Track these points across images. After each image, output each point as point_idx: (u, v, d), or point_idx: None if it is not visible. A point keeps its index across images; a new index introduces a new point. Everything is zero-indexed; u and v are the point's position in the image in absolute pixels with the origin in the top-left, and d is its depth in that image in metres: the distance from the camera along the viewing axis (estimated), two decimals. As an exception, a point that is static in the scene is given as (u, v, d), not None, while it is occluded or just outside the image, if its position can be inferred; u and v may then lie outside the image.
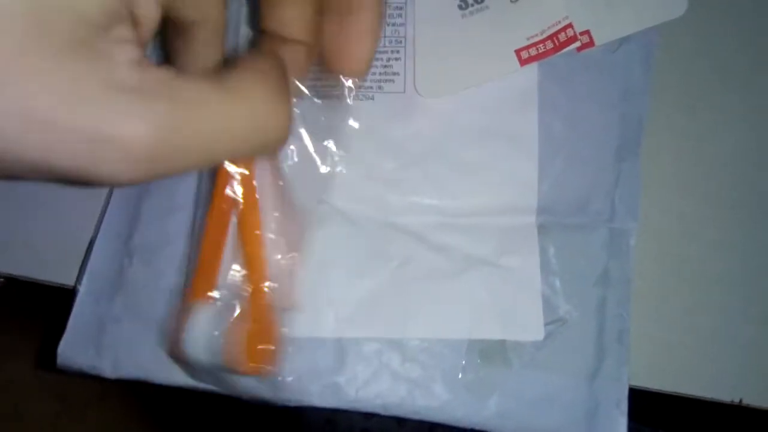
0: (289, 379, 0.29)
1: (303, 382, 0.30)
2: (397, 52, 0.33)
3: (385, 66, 0.33)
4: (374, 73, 0.33)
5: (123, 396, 0.39)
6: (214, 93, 0.17)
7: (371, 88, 0.33)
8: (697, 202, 0.33)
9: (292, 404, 0.30)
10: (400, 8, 0.33)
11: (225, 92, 0.18)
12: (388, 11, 0.33)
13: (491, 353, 0.31)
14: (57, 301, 0.31)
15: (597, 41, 0.32)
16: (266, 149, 0.21)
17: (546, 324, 0.31)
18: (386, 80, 0.33)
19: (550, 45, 0.32)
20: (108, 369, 0.30)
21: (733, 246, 0.33)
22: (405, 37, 0.33)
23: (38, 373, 0.38)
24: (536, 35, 0.32)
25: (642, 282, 0.32)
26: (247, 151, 0.20)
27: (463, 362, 0.30)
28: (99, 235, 0.32)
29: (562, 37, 0.32)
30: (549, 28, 0.32)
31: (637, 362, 0.31)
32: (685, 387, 0.31)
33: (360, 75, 0.26)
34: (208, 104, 0.17)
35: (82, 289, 0.31)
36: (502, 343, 0.31)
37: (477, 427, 0.30)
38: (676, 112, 0.34)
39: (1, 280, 0.38)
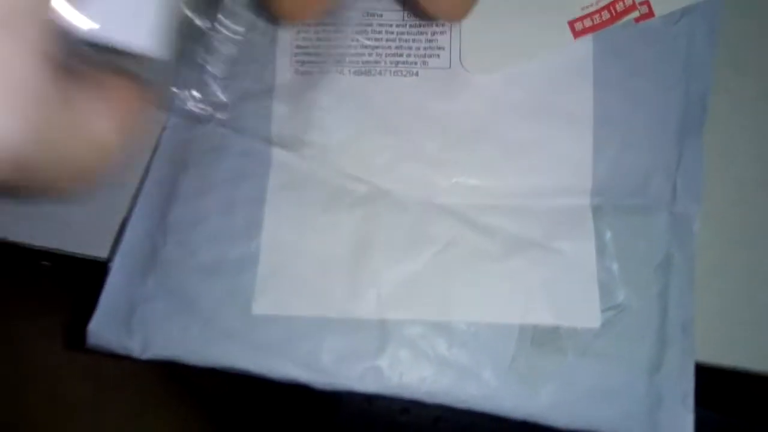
0: (329, 359, 0.28)
1: (343, 365, 0.29)
2: (442, 24, 0.33)
3: (430, 40, 0.33)
4: (418, 48, 0.33)
5: (159, 376, 0.39)
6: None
7: (415, 63, 0.33)
8: (763, 184, 0.32)
9: (331, 389, 0.29)
10: (447, -20, 0.33)
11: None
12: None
13: (544, 340, 0.30)
14: (86, 280, 0.31)
15: (657, 11, 0.32)
16: None
17: (603, 310, 0.30)
18: (431, 55, 0.33)
19: (606, 15, 0.31)
20: (138, 349, 0.29)
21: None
22: (451, 10, 0.33)
23: (71, 354, 0.38)
24: (591, 5, 0.31)
25: (706, 268, 0.31)
26: None
27: (514, 349, 0.29)
28: (134, 213, 0.32)
29: (619, 6, 0.31)
30: (604, -4, 0.31)
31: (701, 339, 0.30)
32: (751, 362, 0.30)
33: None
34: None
35: (113, 267, 0.31)
36: (555, 330, 0.30)
37: (528, 419, 0.29)
38: (742, 88, 0.33)
39: (46, 263, 0.39)
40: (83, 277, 0.32)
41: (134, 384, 0.42)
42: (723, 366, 0.30)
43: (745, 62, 0.33)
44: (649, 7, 0.32)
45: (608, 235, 0.31)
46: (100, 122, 0.17)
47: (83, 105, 0.17)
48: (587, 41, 0.32)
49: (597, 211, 0.31)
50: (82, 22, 0.18)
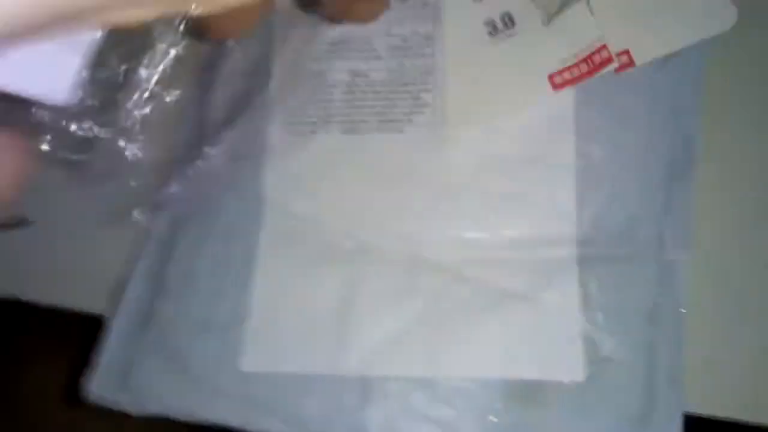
0: (313, 415, 0.29)
1: (327, 421, 0.30)
2: (427, 83, 0.34)
3: (415, 98, 0.34)
4: (404, 106, 0.34)
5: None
6: None
7: (401, 120, 0.34)
8: (757, 227, 0.32)
9: (316, 444, 0.30)
10: (429, 38, 0.34)
11: None
12: (417, 41, 0.34)
13: (528, 394, 0.30)
14: (82, 331, 0.33)
15: (637, 61, 0.32)
16: None
17: (589, 363, 0.30)
18: (416, 112, 0.34)
19: (584, 68, 0.32)
20: (133, 407, 0.31)
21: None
22: (434, 68, 0.34)
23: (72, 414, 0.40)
24: (569, 58, 0.32)
25: (696, 315, 0.31)
26: None
27: (498, 403, 0.30)
28: (134, 272, 0.33)
29: (596, 59, 0.32)
30: (582, 50, 0.32)
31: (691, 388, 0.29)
32: (741, 413, 0.29)
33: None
34: None
35: (113, 327, 0.32)
36: (539, 384, 0.30)
37: (512, 475, 0.29)
38: (731, 131, 0.33)
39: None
40: (81, 332, 0.34)
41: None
42: (712, 417, 0.30)
43: (730, 107, 0.33)
44: (630, 56, 0.32)
45: (594, 285, 0.31)
46: None
47: None
48: (568, 93, 0.32)
49: (582, 261, 0.31)
50: None
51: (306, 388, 0.30)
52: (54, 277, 0.35)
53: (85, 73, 0.18)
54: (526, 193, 0.32)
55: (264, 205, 0.33)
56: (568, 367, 0.30)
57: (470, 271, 0.32)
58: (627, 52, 0.32)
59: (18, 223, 0.36)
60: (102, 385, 0.31)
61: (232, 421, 0.30)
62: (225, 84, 0.35)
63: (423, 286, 0.31)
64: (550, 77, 0.32)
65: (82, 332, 0.33)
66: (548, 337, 0.30)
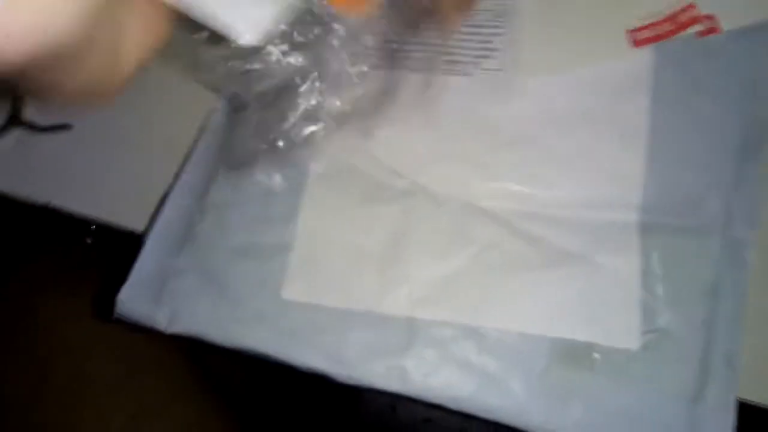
0: (353, 353, 0.28)
1: (367, 360, 0.28)
2: (498, 26, 0.33)
3: (484, 41, 0.33)
4: (472, 48, 0.33)
5: (184, 362, 0.39)
6: None
7: (468, 63, 0.32)
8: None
9: (353, 383, 0.28)
10: (506, -19, 0.33)
11: None
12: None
13: (576, 356, 0.29)
14: (119, 254, 0.32)
15: (723, 27, 0.31)
16: None
17: (644, 333, 0.29)
18: (484, 56, 0.32)
19: (668, 27, 0.31)
20: (164, 322, 0.30)
21: None
22: (508, 11, 0.32)
23: (101, 334, 0.39)
24: (653, 15, 0.31)
25: (757, 297, 0.29)
26: None
27: (545, 362, 0.28)
28: (174, 189, 0.32)
29: (682, 18, 0.30)
30: (668, 7, 0.30)
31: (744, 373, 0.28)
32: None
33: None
34: None
35: (149, 240, 0.31)
36: (589, 347, 0.29)
37: (553, 436, 0.28)
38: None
39: (89, 240, 0.39)
40: (117, 253, 0.32)
41: (160, 368, 0.42)
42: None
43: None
44: (715, 21, 0.31)
45: (655, 255, 0.30)
46: (133, 33, 0.17)
47: (124, 13, 0.17)
48: (647, 52, 0.31)
49: (645, 229, 0.30)
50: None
51: (347, 324, 0.29)
52: (93, 188, 0.34)
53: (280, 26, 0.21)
54: (592, 150, 0.31)
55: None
56: (622, 333, 0.29)
57: (527, 226, 0.30)
58: (712, 16, 0.31)
59: (60, 126, 0.35)
60: (134, 297, 0.30)
61: (269, 349, 0.29)
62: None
63: (477, 235, 0.30)
64: (631, 33, 0.31)
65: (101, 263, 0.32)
66: (604, 301, 0.29)
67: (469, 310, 0.29)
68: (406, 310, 0.29)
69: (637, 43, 0.31)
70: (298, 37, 0.25)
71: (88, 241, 0.40)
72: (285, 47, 0.25)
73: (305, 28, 0.25)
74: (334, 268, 0.30)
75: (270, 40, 0.22)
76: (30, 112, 0.36)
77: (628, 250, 0.30)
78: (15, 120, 0.36)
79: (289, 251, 0.30)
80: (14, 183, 0.35)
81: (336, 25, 0.27)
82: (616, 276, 0.30)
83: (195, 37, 0.22)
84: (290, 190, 0.31)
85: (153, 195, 0.33)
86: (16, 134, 0.36)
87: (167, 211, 0.32)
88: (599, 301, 0.29)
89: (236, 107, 0.33)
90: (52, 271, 0.44)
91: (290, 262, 0.30)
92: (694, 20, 0.30)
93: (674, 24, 0.31)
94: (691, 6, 0.30)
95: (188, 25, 0.20)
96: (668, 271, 0.30)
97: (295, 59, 0.26)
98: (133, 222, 0.33)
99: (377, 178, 0.31)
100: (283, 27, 0.22)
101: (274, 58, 0.25)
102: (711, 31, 0.31)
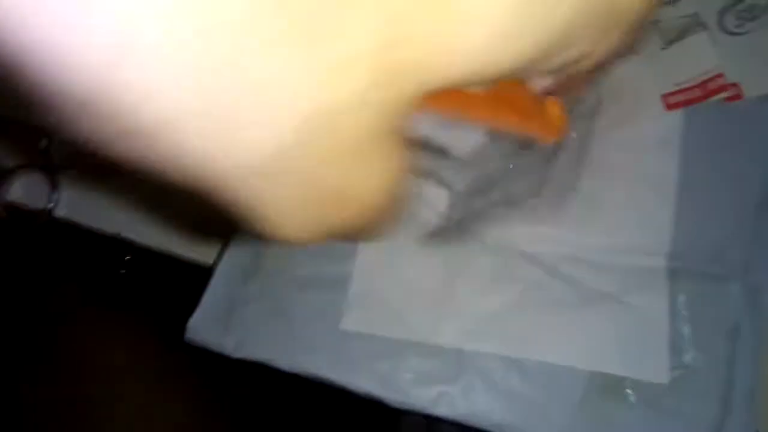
0: (406, 380, 0.31)
1: (418, 387, 0.31)
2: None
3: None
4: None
5: (213, 387, 0.42)
6: None
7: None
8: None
9: (405, 408, 0.31)
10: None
11: None
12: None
13: (611, 388, 0.31)
14: (167, 283, 0.34)
15: (746, 93, 0.34)
16: None
17: (672, 368, 0.32)
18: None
19: (698, 92, 0.34)
20: (231, 347, 0.32)
21: None
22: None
23: (131, 358, 0.42)
24: (685, 82, 0.34)
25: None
26: None
27: (582, 392, 0.31)
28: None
29: (711, 85, 0.34)
30: (699, 76, 0.34)
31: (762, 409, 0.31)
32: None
33: None
34: None
35: (219, 269, 0.34)
36: (622, 381, 0.31)
37: (591, 462, 0.30)
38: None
39: (123, 271, 0.42)
40: (156, 282, 0.35)
41: (191, 393, 0.44)
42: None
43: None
44: (739, 88, 0.34)
45: (682, 298, 0.33)
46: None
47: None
48: (679, 115, 0.34)
49: (673, 274, 0.33)
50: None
51: (401, 353, 0.32)
52: (161, 222, 0.37)
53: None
54: (628, 201, 0.34)
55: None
56: (653, 368, 0.31)
57: (566, 268, 0.33)
58: (737, 84, 0.34)
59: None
60: (204, 324, 0.33)
61: (330, 375, 0.31)
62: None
63: (521, 275, 0.33)
64: (664, 97, 0.34)
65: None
66: (636, 339, 0.32)
67: (513, 344, 0.32)
68: (455, 342, 0.32)
69: (670, 106, 0.34)
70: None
71: (122, 272, 0.43)
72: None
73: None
74: (390, 302, 0.33)
75: None
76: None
77: (658, 293, 0.33)
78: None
79: (349, 284, 0.33)
80: (86, 216, 0.38)
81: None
82: (646, 316, 0.32)
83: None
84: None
85: (223, 228, 0.36)
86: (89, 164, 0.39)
87: (235, 243, 0.35)
88: (632, 339, 0.32)
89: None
90: (85, 297, 0.47)
91: (349, 294, 0.33)
92: (722, 88, 0.34)
93: (703, 90, 0.34)
94: (719, 75, 0.34)
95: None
96: (694, 313, 0.32)
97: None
98: (203, 254, 0.35)
99: (431, 221, 0.34)
100: None
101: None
102: (736, 97, 0.34)
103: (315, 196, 0.14)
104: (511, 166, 0.35)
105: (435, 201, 0.35)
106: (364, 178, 0.14)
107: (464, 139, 0.23)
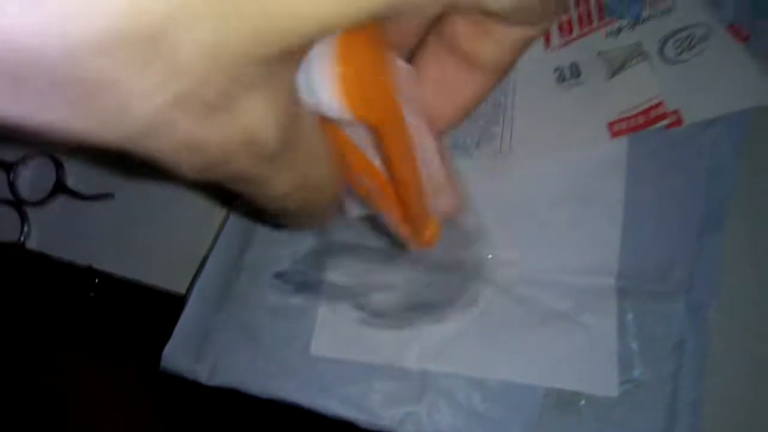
0: (375, 402, 0.33)
1: (387, 408, 0.33)
2: (496, 117, 0.38)
3: (484, 130, 0.38)
4: (474, 135, 0.38)
5: (189, 412, 0.43)
6: None
7: (470, 146, 0.38)
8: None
9: (374, 428, 0.33)
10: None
11: None
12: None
13: (566, 403, 0.33)
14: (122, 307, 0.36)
15: (686, 121, 0.36)
16: None
17: (621, 383, 0.34)
18: (485, 140, 0.38)
19: (640, 120, 0.36)
20: (205, 375, 0.34)
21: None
22: (505, 104, 0.38)
23: (107, 384, 0.43)
24: (628, 110, 0.36)
25: (717, 355, 0.34)
26: None
27: (539, 409, 0.33)
28: (214, 250, 0.36)
29: (653, 113, 0.36)
30: (641, 104, 0.36)
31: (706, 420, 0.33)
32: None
33: None
34: None
35: (191, 298, 0.35)
36: (577, 395, 0.34)
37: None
38: (762, 192, 0.37)
39: (92, 294, 0.43)
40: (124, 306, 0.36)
41: (166, 418, 0.45)
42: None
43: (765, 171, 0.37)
44: (679, 115, 0.36)
45: (630, 315, 0.35)
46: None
47: None
48: (623, 141, 0.37)
49: (621, 292, 0.35)
50: None
51: (369, 376, 0.33)
52: (133, 251, 0.38)
53: None
54: (578, 224, 0.36)
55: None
56: (603, 383, 0.34)
57: (522, 290, 0.35)
58: (677, 111, 0.37)
59: (103, 195, 0.39)
60: (177, 352, 0.34)
61: (300, 399, 0.33)
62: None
63: (480, 297, 0.35)
64: (609, 125, 0.37)
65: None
66: (588, 355, 0.34)
67: (474, 364, 0.34)
68: (419, 364, 0.34)
69: (615, 134, 0.36)
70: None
71: (91, 294, 0.43)
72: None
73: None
74: (356, 326, 0.34)
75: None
76: (73, 181, 0.40)
77: (608, 311, 0.35)
78: (60, 187, 0.40)
79: (317, 309, 0.35)
80: (58, 246, 0.39)
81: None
82: (597, 333, 0.35)
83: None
84: (317, 251, 0.36)
85: (194, 257, 0.37)
86: (61, 201, 0.40)
87: (207, 270, 0.36)
88: (584, 355, 0.34)
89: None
90: (60, 328, 0.48)
91: (317, 320, 0.34)
92: (663, 116, 0.36)
93: (646, 118, 0.36)
94: (659, 104, 0.36)
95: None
96: (641, 329, 0.35)
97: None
98: (175, 284, 0.37)
99: (389, 248, 0.36)
100: None
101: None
102: (676, 123, 0.37)
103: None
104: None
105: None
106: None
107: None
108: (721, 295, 0.35)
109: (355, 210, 0.25)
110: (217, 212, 0.38)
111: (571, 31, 0.38)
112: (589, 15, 0.38)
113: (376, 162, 0.21)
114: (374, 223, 0.27)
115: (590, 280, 0.36)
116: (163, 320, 0.36)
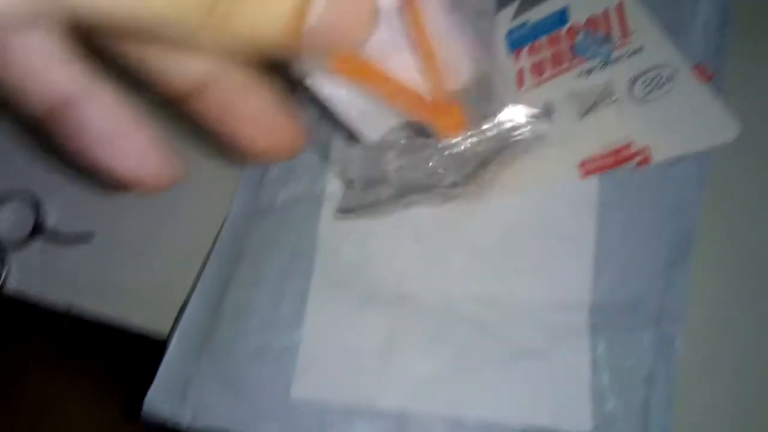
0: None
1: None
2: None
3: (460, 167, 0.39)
4: (451, 172, 0.39)
5: None
6: None
7: (447, 185, 0.39)
8: (745, 309, 0.37)
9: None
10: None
11: None
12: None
13: (542, 440, 0.35)
14: (132, 350, 0.36)
15: (654, 159, 0.38)
16: None
17: (594, 417, 0.35)
18: (458, 181, 0.39)
19: (610, 160, 0.38)
20: (188, 419, 0.34)
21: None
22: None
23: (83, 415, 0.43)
24: (598, 150, 0.38)
25: (686, 384, 0.36)
26: None
27: (517, 446, 0.34)
28: (194, 296, 0.37)
29: (622, 153, 0.37)
30: (609, 145, 0.37)
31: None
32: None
33: None
34: None
35: (172, 343, 0.36)
36: (553, 431, 0.35)
37: None
38: (728, 225, 0.38)
39: (65, 327, 0.44)
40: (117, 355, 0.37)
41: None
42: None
43: (732, 201, 0.39)
44: (648, 154, 0.38)
45: (601, 348, 0.36)
46: None
47: None
48: (594, 180, 0.38)
49: (593, 327, 0.37)
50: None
51: (350, 416, 0.34)
52: (114, 293, 0.38)
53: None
54: (551, 261, 0.37)
55: (317, 250, 0.38)
56: (576, 418, 0.35)
57: (497, 327, 0.37)
58: (646, 149, 0.38)
59: (83, 236, 0.39)
60: (160, 398, 0.35)
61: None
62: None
63: (454, 336, 0.36)
64: (581, 164, 0.38)
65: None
66: (563, 390, 0.35)
67: (452, 403, 0.35)
68: (398, 405, 0.35)
69: (586, 173, 0.38)
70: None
71: (65, 327, 0.44)
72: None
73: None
74: (336, 368, 0.35)
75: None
76: (53, 221, 0.41)
77: (580, 346, 0.36)
78: (39, 229, 0.40)
79: (297, 353, 0.36)
80: (38, 288, 0.39)
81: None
82: (571, 368, 0.36)
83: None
84: (296, 296, 0.37)
85: (176, 299, 0.38)
86: (40, 242, 0.40)
87: (187, 316, 0.37)
88: (559, 390, 0.36)
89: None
90: (37, 355, 0.48)
91: (298, 363, 0.35)
92: (632, 155, 0.37)
93: (615, 158, 0.37)
94: (628, 145, 0.37)
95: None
96: (612, 363, 0.36)
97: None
98: (157, 325, 0.37)
99: (372, 287, 0.37)
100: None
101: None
102: (645, 161, 0.38)
103: None
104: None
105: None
106: None
107: (375, 123, 0.26)
108: (690, 326, 0.37)
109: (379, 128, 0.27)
110: (198, 253, 0.39)
111: (543, 72, 0.39)
112: (561, 55, 0.40)
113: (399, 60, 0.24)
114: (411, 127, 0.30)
115: (563, 315, 0.37)
116: (145, 363, 0.36)
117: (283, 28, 0.16)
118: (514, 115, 0.37)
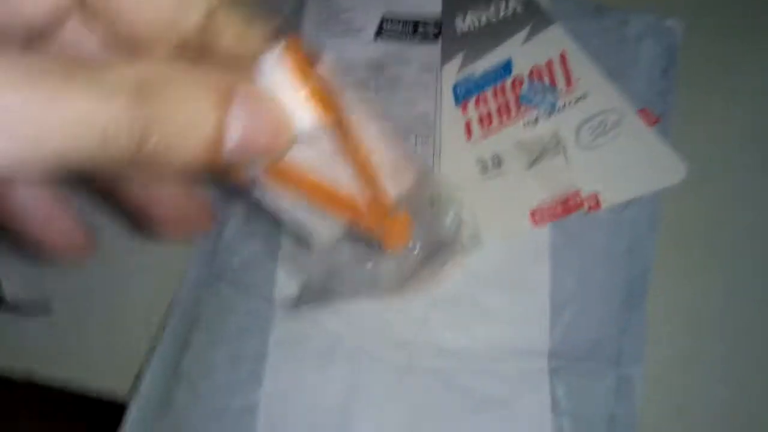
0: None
1: None
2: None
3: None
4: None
5: None
6: None
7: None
8: (703, 346, 0.38)
9: None
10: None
11: None
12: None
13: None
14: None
15: (603, 204, 0.38)
16: None
17: (556, 464, 0.35)
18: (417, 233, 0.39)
19: (560, 209, 0.38)
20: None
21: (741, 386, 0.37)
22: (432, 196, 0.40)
23: None
24: (547, 199, 0.38)
25: (648, 425, 0.36)
26: None
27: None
28: (152, 361, 0.37)
29: (570, 202, 0.38)
30: (558, 193, 0.38)
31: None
32: None
33: None
34: None
35: (131, 408, 0.36)
36: (515, 481, 0.35)
37: None
38: (682, 264, 0.39)
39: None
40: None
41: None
42: None
43: (685, 240, 0.39)
44: (597, 200, 0.39)
45: (561, 393, 0.37)
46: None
47: None
48: (546, 228, 0.39)
49: (553, 372, 0.37)
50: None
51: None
52: (73, 359, 0.39)
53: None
54: (508, 310, 0.38)
55: (274, 308, 0.38)
56: (538, 467, 0.35)
57: (457, 378, 0.37)
58: (595, 195, 0.39)
59: (41, 307, 0.39)
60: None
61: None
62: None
63: (414, 390, 0.37)
64: (531, 213, 0.39)
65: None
66: (523, 439, 0.36)
67: (413, 460, 0.35)
68: (359, 463, 0.35)
69: (537, 222, 0.38)
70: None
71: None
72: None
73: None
74: (297, 427, 0.36)
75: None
76: (9, 290, 0.41)
77: (540, 392, 0.37)
78: (-2, 300, 0.40)
79: (257, 413, 0.36)
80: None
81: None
82: (531, 415, 0.36)
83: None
84: (254, 357, 0.37)
85: (134, 363, 0.38)
86: (-1, 314, 0.41)
87: (146, 380, 0.37)
88: (520, 439, 0.36)
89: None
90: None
91: (258, 423, 0.35)
92: (581, 203, 0.38)
93: (564, 206, 0.38)
94: (576, 192, 0.38)
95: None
96: (573, 406, 0.36)
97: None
98: (116, 388, 0.37)
99: (328, 344, 0.37)
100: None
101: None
102: (595, 206, 0.39)
103: None
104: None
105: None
106: None
107: (324, 228, 0.27)
108: (648, 366, 0.37)
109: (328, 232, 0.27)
110: (156, 319, 0.39)
111: (491, 122, 0.40)
112: (507, 106, 0.40)
113: (335, 174, 0.24)
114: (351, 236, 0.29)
115: (523, 363, 0.37)
116: (105, 427, 0.36)
117: (204, 153, 0.18)
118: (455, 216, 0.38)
